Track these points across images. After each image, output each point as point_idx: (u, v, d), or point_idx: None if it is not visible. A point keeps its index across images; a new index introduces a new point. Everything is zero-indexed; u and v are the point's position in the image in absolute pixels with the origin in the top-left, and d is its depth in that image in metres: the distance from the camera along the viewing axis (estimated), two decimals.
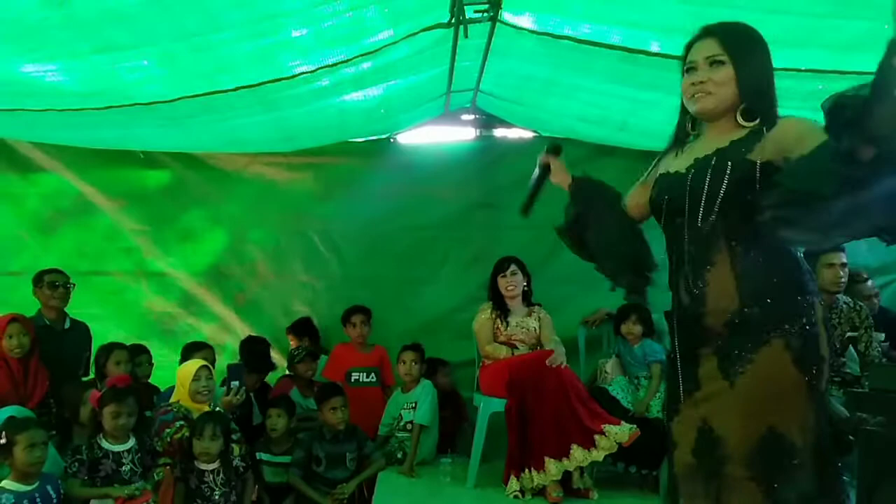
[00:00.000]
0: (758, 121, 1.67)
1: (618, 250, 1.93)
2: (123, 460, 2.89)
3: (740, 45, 1.67)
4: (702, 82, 1.68)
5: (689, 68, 1.72)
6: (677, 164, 1.78)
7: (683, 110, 1.80)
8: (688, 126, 1.81)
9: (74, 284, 3.77)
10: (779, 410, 1.59)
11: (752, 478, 1.59)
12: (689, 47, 1.74)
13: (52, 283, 3.68)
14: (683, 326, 1.75)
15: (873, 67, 1.24)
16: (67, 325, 3.78)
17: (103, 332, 4.02)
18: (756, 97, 1.67)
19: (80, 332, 3.87)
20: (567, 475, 3.19)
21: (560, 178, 2.04)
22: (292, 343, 4.23)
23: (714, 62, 1.67)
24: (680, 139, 1.83)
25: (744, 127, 1.69)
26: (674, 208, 1.74)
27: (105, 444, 2.90)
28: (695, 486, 1.69)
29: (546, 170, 2.06)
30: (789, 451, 1.57)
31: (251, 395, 3.75)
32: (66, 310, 3.78)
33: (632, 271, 1.93)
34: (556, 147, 2.07)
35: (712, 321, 1.67)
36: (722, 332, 1.66)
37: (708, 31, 1.71)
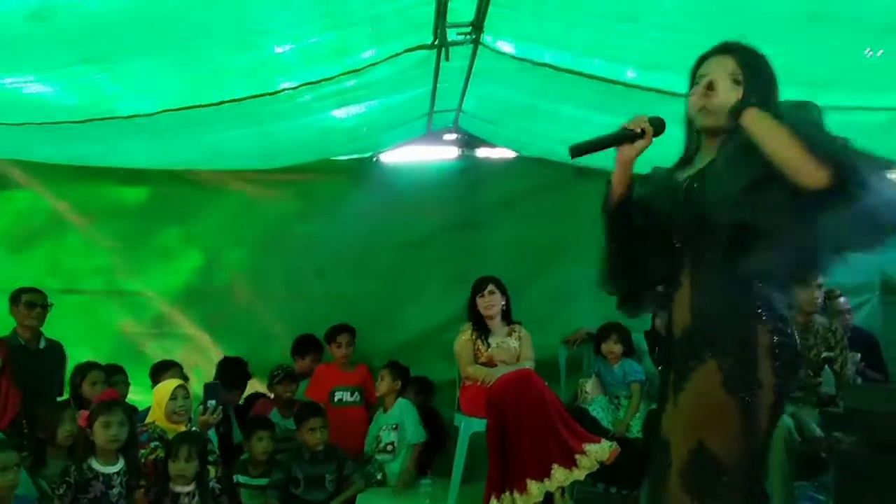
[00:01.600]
0: None
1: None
2: (113, 482, 2.80)
3: (754, 70, 1.68)
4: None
5: (699, 82, 1.71)
6: (681, 176, 1.79)
7: (690, 124, 1.79)
8: (695, 139, 1.80)
9: (52, 304, 3.69)
10: (707, 428, 1.64)
11: (685, 489, 1.65)
12: (703, 59, 1.74)
13: (30, 303, 3.60)
14: (663, 340, 1.84)
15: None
16: (43, 345, 3.69)
17: (74, 353, 3.90)
18: None
19: (56, 352, 3.78)
20: (548, 495, 3.18)
21: (626, 164, 1.77)
22: (297, 364, 4.14)
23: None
24: (689, 151, 1.82)
25: None
26: (669, 225, 1.78)
27: (95, 466, 2.81)
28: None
29: (632, 138, 1.73)
30: (716, 468, 1.61)
31: (230, 413, 3.68)
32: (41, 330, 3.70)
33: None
34: (661, 125, 1.74)
35: (676, 336, 1.75)
36: (681, 347, 1.72)
37: (727, 49, 1.71)
